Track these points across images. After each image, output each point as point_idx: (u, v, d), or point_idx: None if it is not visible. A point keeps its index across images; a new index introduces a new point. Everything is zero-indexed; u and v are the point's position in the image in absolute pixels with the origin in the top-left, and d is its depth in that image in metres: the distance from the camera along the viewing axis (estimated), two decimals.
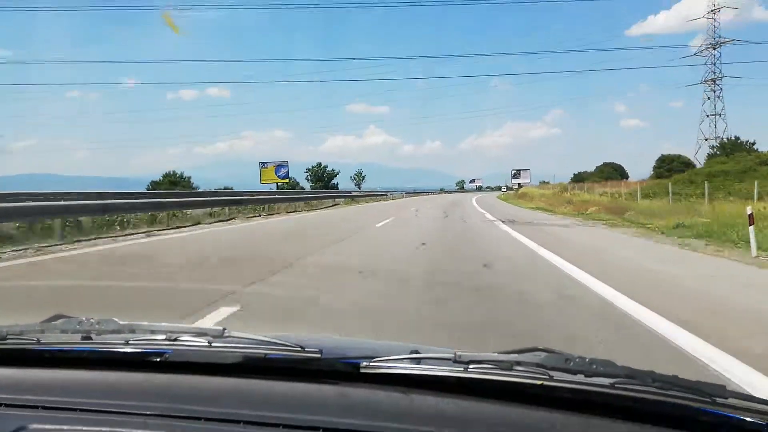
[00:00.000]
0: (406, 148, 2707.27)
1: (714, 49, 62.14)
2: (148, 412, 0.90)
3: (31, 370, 1.08)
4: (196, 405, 0.92)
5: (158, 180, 42.66)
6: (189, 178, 44.04)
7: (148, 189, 36.58)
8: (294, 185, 59.41)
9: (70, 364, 1.09)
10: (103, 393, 0.98)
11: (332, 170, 70.10)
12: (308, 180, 68.26)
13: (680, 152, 61.24)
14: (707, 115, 63.66)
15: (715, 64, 62.28)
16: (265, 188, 38.72)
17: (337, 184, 69.64)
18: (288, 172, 42.47)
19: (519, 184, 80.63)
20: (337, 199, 35.51)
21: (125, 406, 0.93)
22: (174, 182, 41.63)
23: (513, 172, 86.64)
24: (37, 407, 0.93)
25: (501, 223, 14.99)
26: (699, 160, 57.55)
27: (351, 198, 38.86)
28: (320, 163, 70.31)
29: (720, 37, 62.10)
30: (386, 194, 56.55)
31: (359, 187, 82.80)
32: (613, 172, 75.42)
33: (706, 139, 62.98)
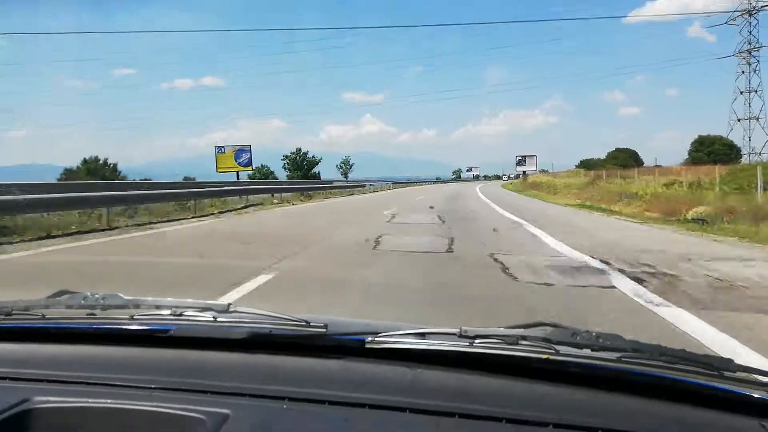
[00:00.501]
0: (402, 137, 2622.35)
1: (750, 15, 54.06)
2: (153, 386, 0.90)
3: (36, 345, 1.08)
4: (202, 379, 0.92)
5: (76, 168, 34.36)
6: (115, 165, 36.46)
7: (60, 178, 30.22)
8: (267, 174, 51.69)
9: (75, 340, 1.08)
10: (108, 367, 0.98)
11: (313, 157, 62.15)
12: (285, 168, 60.10)
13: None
14: (741, 92, 55.88)
15: (751, 33, 54.33)
16: (228, 179, 32.49)
17: (319, 173, 61.63)
18: (251, 158, 35.15)
19: (524, 171, 72.46)
20: (285, 194, 24.63)
21: (130, 380, 0.92)
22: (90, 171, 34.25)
23: (518, 158, 78.37)
24: (41, 380, 0.93)
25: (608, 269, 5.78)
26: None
27: (307, 193, 28.57)
28: (299, 149, 62.16)
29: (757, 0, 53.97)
30: (364, 185, 46.17)
31: (346, 177, 75.23)
32: (627, 159, 68.03)
33: (739, 120, 55.23)
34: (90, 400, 0.87)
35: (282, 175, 56.85)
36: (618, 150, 77.18)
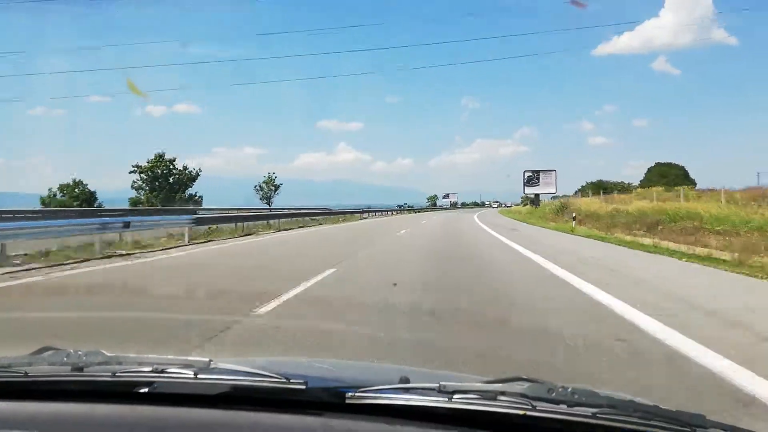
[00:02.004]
0: (377, 165, 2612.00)
1: None
2: None
3: (19, 403, 1.07)
4: None
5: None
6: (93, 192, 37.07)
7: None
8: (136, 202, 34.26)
9: (58, 397, 1.08)
10: (91, 425, 0.99)
11: (183, 170, 37.97)
12: (143, 188, 35.67)
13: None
14: None
15: None
16: None
17: (198, 196, 37.45)
18: None
19: (536, 195, 48.56)
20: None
21: None
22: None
23: (527, 175, 51.45)
24: None
25: None
26: None
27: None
28: (161, 156, 38.18)
29: None
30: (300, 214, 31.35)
31: (269, 204, 51.12)
32: (678, 177, 50.34)
33: None
34: None
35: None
36: (661, 165, 55.10)
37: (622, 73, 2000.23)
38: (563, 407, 0.92)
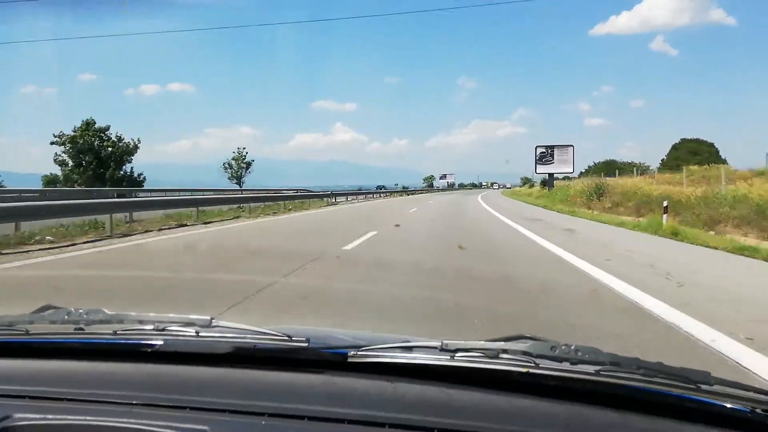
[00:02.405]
0: (374, 146, 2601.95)
1: None
2: (134, 401, 0.90)
3: (20, 361, 1.07)
4: (183, 394, 0.92)
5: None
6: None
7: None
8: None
9: (59, 355, 1.08)
10: (91, 383, 0.98)
11: (118, 140, 30.45)
12: (65, 163, 28.32)
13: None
14: None
15: None
16: None
17: (140, 175, 30.36)
18: None
19: (550, 175, 41.47)
20: None
21: (113, 395, 0.92)
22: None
23: (540, 151, 42.73)
24: (24, 397, 0.93)
25: None
26: None
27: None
28: (90, 123, 30.55)
29: None
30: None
31: (239, 184, 44.15)
32: (712, 155, 44.60)
33: None
34: (70, 417, 0.87)
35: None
36: (689, 141, 48.15)
37: (620, 53, 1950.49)
38: (566, 365, 0.91)
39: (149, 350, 1.03)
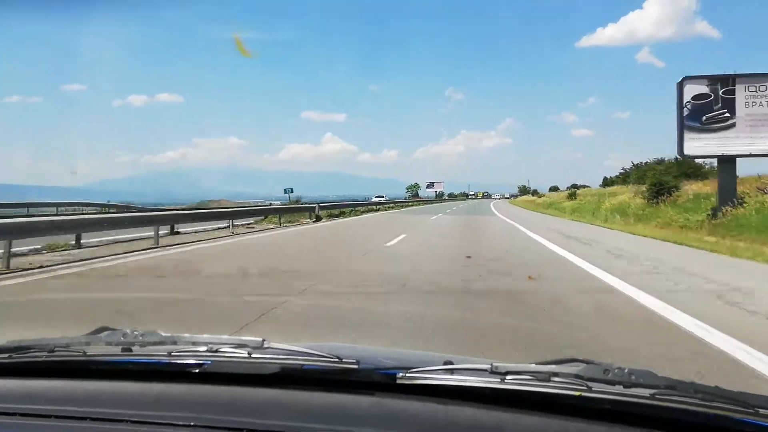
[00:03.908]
0: (363, 157, 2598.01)
1: None
2: (192, 423, 0.91)
3: (78, 382, 1.09)
4: (236, 416, 0.92)
5: None
6: None
7: None
8: None
9: (115, 376, 1.10)
10: (148, 404, 0.99)
11: None
12: None
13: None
14: None
15: None
16: None
17: None
18: None
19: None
20: None
21: (170, 417, 0.94)
22: None
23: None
24: (85, 419, 0.94)
25: None
26: None
27: None
28: None
29: None
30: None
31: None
32: None
33: None
34: None
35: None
36: None
37: (607, 64, 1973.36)
38: (620, 388, 0.89)
39: (198, 371, 1.05)
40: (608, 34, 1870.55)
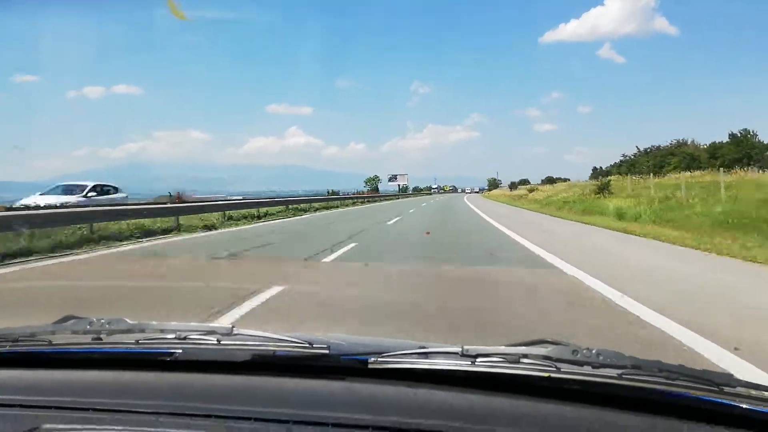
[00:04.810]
0: (330, 150, 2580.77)
1: None
2: (160, 411, 0.90)
3: (44, 371, 1.07)
4: (207, 403, 0.92)
5: None
6: None
7: None
8: None
9: (82, 365, 1.08)
10: (115, 393, 0.98)
11: None
12: None
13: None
14: None
15: None
16: None
17: None
18: None
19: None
20: None
21: (137, 405, 0.92)
22: None
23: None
24: (50, 407, 0.93)
25: None
26: None
27: None
28: None
29: None
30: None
31: None
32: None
33: None
34: (98, 427, 0.87)
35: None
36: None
37: (569, 60, 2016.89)
38: (588, 369, 0.91)
39: (169, 359, 1.03)
40: (571, 29, 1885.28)
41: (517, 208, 30.29)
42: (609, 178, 28.27)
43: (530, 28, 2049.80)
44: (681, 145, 39.57)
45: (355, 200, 43.67)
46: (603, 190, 26.39)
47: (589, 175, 59.52)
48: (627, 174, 34.06)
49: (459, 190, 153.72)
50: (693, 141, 39.47)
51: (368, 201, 47.48)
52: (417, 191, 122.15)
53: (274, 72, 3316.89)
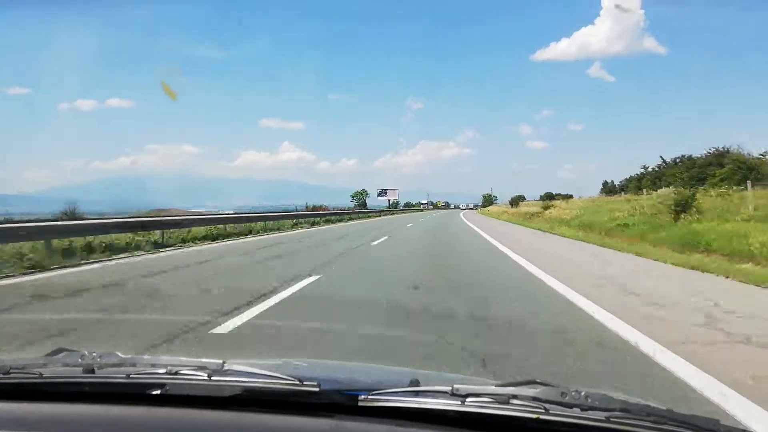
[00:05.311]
0: (322, 165, 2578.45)
1: None
2: None
3: (34, 404, 1.07)
4: None
5: None
6: None
7: None
8: None
9: (73, 399, 1.08)
10: (105, 427, 0.99)
11: None
12: None
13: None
14: None
15: None
16: None
17: None
18: None
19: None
20: None
21: None
22: None
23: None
24: None
25: None
26: None
27: None
28: None
29: None
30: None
31: None
32: None
33: None
34: None
35: None
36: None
37: (560, 78, 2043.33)
38: (576, 411, 0.91)
39: (157, 392, 1.03)
40: (561, 48, 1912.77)
41: (551, 235, 19.85)
42: (693, 190, 18.45)
43: (522, 46, 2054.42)
44: (721, 154, 34.32)
45: (320, 218, 33.95)
46: (685, 207, 16.43)
47: (600, 189, 54.48)
48: (651, 188, 28.83)
49: (452, 206, 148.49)
50: (738, 148, 33.86)
51: (334, 219, 36.81)
52: (408, 207, 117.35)
53: (267, 86, 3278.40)
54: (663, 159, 44.30)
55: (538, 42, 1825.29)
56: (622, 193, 40.44)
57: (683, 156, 40.09)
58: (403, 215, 61.13)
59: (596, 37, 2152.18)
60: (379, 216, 54.42)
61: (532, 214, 36.93)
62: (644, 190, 26.91)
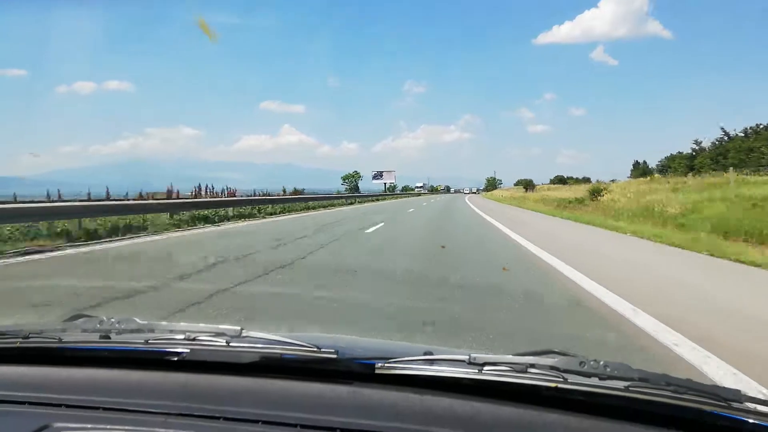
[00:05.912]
0: (323, 149, 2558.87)
1: None
2: (168, 411, 0.91)
3: (53, 369, 1.08)
4: (214, 404, 0.93)
5: None
6: None
7: None
8: None
9: (91, 363, 1.08)
10: (124, 392, 0.99)
11: None
12: None
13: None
14: None
15: None
16: None
17: None
18: None
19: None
20: None
21: (146, 404, 0.94)
22: None
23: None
24: (60, 405, 0.94)
25: None
26: None
27: None
28: None
29: None
30: None
31: None
32: None
33: None
34: (108, 427, 0.88)
35: None
36: None
37: (563, 62, 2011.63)
38: (595, 380, 0.91)
39: (176, 359, 1.03)
40: (564, 31, 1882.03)
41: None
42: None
43: (524, 30, 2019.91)
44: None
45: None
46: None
47: (630, 171, 47.15)
48: (711, 167, 21.60)
49: (453, 191, 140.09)
50: None
51: (298, 207, 27.58)
52: (406, 190, 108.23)
53: (268, 68, 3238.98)
54: (724, 131, 36.13)
55: (540, 25, 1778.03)
56: (658, 175, 32.65)
57: (758, 125, 30.97)
58: (392, 201, 48.38)
59: (600, 20, 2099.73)
60: (361, 203, 41.22)
61: (570, 201, 27.74)
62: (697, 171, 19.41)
